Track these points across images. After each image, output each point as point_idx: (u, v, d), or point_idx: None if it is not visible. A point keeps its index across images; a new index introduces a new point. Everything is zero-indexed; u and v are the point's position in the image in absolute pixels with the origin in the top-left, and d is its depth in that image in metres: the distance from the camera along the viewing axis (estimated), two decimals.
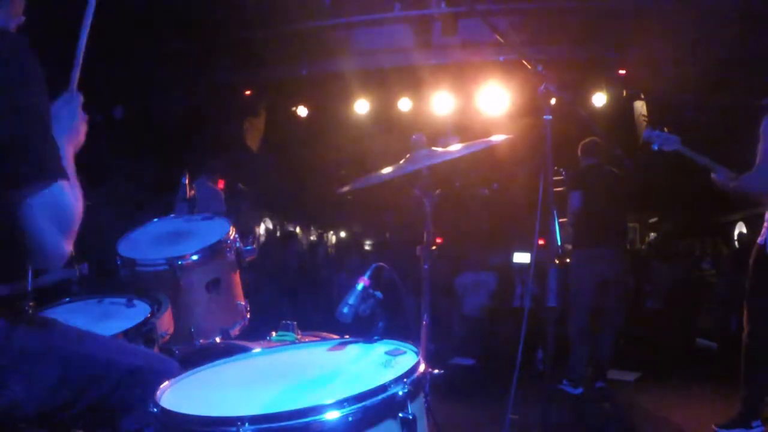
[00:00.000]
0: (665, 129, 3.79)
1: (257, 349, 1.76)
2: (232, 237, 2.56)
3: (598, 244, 4.88)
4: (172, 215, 2.91)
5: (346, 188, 2.31)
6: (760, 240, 3.45)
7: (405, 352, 1.54)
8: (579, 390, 4.80)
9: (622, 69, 7.06)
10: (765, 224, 3.45)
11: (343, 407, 1.21)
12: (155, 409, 1.30)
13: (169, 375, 1.53)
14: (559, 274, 2.36)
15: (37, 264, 1.46)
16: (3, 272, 1.42)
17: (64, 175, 1.36)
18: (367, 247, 13.98)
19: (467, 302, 7.50)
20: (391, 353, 1.53)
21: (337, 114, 8.62)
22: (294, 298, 8.15)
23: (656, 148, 3.81)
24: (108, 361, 1.54)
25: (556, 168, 5.03)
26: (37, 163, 1.32)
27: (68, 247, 1.39)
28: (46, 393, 1.46)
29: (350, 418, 1.21)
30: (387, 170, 2.23)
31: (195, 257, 2.41)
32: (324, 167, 9.66)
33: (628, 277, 5.69)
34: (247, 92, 8.13)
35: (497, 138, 2.22)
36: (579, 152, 5.17)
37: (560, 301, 2.37)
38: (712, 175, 3.69)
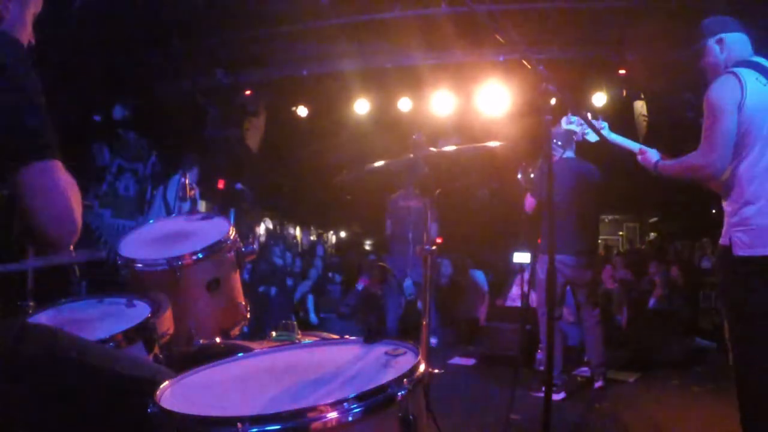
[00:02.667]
0: (589, 115, 3.22)
1: (257, 349, 1.76)
2: (232, 237, 2.56)
3: (556, 249, 4.36)
4: (173, 215, 2.92)
5: (342, 175, 2.33)
6: (723, 240, 2.66)
7: (405, 352, 1.54)
8: (561, 395, 4.54)
9: (622, 69, 7.06)
10: (726, 219, 2.68)
11: (343, 407, 1.21)
12: (155, 409, 1.30)
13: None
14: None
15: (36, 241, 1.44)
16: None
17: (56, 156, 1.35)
18: (367, 247, 13.99)
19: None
20: (391, 353, 1.53)
21: (337, 114, 8.62)
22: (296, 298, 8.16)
23: (580, 138, 3.35)
24: (111, 372, 1.53)
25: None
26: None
27: (61, 230, 1.36)
28: (45, 403, 1.45)
29: (350, 418, 1.21)
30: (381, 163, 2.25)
31: (195, 257, 2.41)
32: (324, 167, 9.67)
33: (595, 280, 5.14)
34: (247, 92, 8.13)
35: (492, 144, 2.23)
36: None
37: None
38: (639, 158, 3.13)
